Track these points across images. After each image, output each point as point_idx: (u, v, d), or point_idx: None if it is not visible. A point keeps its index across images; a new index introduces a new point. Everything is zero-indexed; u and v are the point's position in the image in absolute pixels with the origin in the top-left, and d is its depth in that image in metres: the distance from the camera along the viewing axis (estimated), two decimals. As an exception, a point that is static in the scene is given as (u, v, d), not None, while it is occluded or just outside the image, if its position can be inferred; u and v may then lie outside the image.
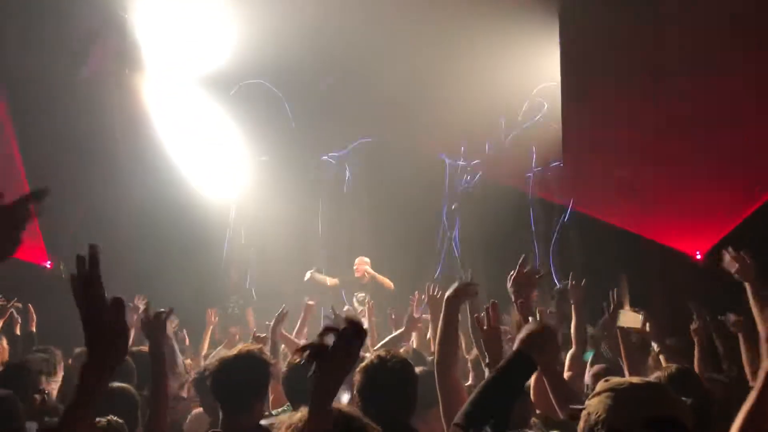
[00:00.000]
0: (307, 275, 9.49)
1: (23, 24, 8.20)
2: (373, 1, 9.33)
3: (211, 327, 6.82)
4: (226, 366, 2.96)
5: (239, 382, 2.92)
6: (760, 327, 3.28)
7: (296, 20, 9.47)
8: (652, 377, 2.98)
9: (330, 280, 9.53)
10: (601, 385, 1.85)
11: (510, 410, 2.18)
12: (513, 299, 3.41)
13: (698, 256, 7.67)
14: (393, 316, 5.97)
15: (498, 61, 10.43)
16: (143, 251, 9.09)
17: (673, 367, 3.16)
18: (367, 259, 9.48)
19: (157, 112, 10.35)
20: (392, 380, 2.77)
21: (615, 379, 1.86)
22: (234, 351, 3.04)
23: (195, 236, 9.83)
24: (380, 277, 9.21)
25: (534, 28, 9.38)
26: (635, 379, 1.89)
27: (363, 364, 2.88)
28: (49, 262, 9.14)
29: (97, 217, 9.27)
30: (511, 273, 3.46)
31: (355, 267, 9.44)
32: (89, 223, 9.23)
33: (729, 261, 3.63)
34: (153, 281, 8.08)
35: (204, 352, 6.44)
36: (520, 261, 3.47)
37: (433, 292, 4.58)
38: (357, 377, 2.82)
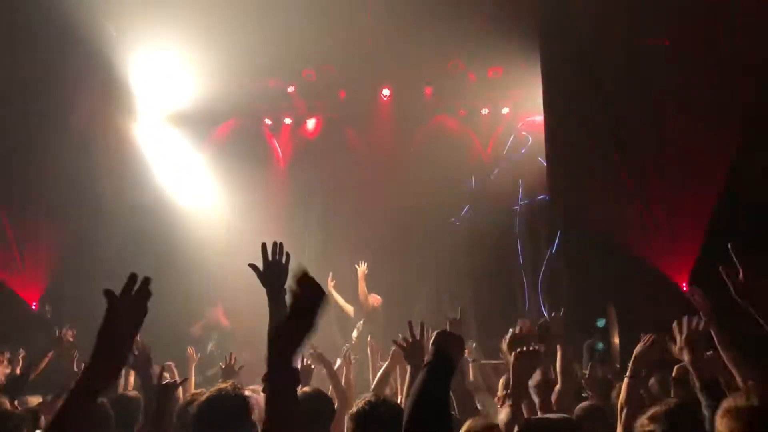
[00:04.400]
0: (331, 282, 9.32)
1: (9, 63, 8.26)
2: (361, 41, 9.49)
3: (194, 364, 6.67)
4: (204, 410, 2.94)
5: (219, 424, 2.89)
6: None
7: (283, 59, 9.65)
8: (650, 411, 2.91)
9: (346, 306, 9.34)
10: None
11: (447, 404, 2.20)
12: (508, 361, 3.39)
13: (684, 287, 7.71)
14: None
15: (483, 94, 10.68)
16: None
17: (672, 402, 3.08)
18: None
19: (144, 149, 10.42)
20: (383, 427, 2.74)
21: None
22: (206, 394, 3.02)
23: (179, 274, 9.75)
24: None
25: (517, 60, 9.55)
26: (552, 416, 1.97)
27: (353, 410, 2.85)
28: (34, 304, 9.05)
29: (82, 255, 9.23)
30: (509, 335, 3.52)
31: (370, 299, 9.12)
32: (74, 259, 9.19)
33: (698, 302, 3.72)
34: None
35: (191, 392, 6.26)
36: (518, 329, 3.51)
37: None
38: (348, 424, 2.79)
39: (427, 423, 2.05)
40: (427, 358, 2.25)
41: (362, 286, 9.14)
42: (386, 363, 5.13)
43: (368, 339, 6.35)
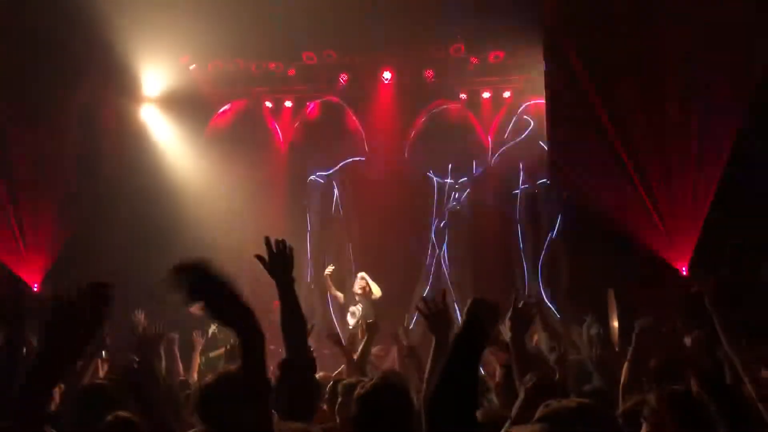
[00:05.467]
0: (328, 270, 9.66)
1: (12, 46, 8.25)
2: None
3: (200, 348, 6.74)
4: (210, 390, 2.91)
5: (223, 406, 2.86)
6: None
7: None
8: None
9: (338, 294, 9.66)
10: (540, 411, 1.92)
11: (475, 385, 2.06)
12: (509, 337, 3.39)
13: (684, 272, 7.74)
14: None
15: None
16: (131, 271, 9.04)
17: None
18: (364, 274, 9.35)
19: (145, 132, 10.42)
20: (390, 410, 2.68)
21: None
22: (213, 375, 2.98)
23: (180, 255, 9.75)
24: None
25: (519, 44, 9.52)
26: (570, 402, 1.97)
27: (358, 392, 2.77)
28: (36, 285, 9.05)
29: (84, 239, 9.24)
30: (509, 314, 3.43)
31: (360, 285, 9.23)
32: (76, 245, 9.19)
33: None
34: (140, 302, 8.02)
35: (195, 375, 6.33)
36: (513, 298, 3.44)
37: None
38: (353, 407, 2.75)
39: (455, 401, 1.95)
40: (458, 329, 2.13)
41: (329, 283, 9.64)
42: (365, 338, 5.11)
43: (359, 323, 6.41)
